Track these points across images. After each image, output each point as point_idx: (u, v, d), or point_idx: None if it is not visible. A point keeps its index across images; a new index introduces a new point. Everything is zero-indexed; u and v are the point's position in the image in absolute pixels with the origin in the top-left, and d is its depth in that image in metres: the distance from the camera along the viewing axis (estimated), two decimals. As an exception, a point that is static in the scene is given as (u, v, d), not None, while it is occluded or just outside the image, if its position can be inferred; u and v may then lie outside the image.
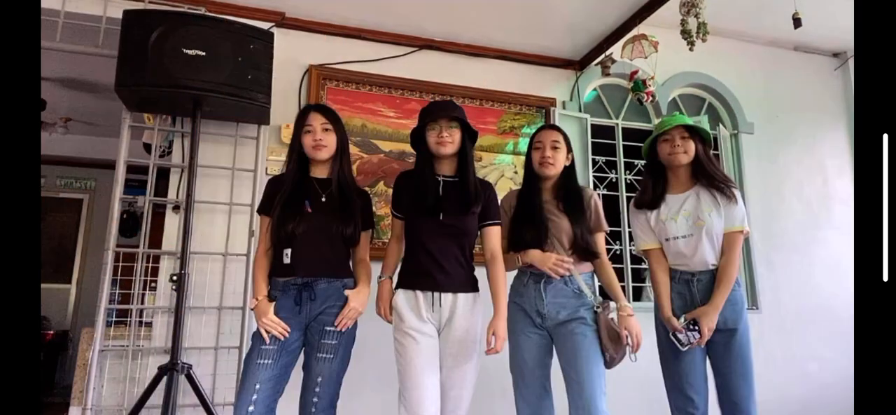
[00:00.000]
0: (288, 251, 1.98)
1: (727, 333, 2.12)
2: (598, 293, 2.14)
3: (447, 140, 2.03)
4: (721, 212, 2.15)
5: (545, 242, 2.11)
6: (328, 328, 1.97)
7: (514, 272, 2.25)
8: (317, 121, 2.07)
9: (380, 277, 2.10)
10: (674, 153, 2.21)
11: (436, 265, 1.98)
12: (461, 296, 1.99)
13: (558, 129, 2.27)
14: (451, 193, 2.04)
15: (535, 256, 2.09)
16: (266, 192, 2.12)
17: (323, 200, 2.05)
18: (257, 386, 1.88)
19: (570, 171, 2.22)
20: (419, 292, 1.99)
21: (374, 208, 3.05)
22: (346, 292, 2.01)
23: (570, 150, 2.22)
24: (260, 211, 2.12)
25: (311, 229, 1.99)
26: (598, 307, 2.05)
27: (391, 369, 2.06)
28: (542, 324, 2.11)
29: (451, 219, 2.00)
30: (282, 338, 1.92)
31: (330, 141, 2.08)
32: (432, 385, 1.91)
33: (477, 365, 2.00)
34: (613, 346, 2.01)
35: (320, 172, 2.12)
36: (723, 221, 2.15)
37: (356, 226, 2.05)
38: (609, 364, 2.05)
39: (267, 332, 1.91)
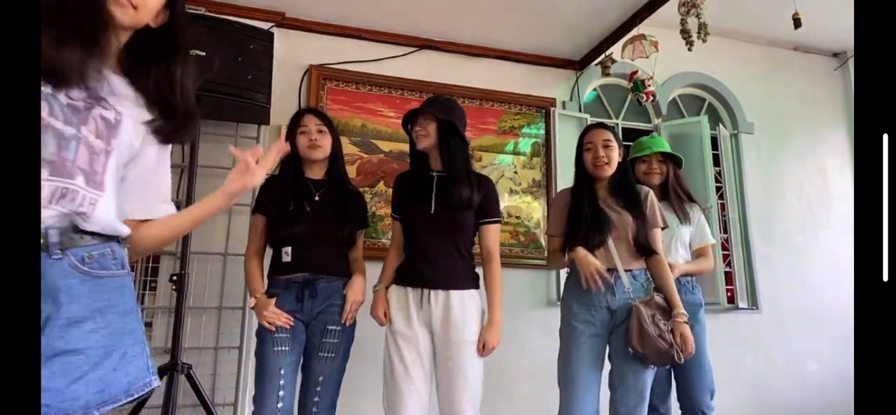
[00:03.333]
0: (288, 250, 2.01)
1: (696, 322, 2.30)
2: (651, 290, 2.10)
3: (420, 133, 2.03)
4: (688, 225, 2.49)
5: (607, 239, 2.07)
6: (330, 327, 1.99)
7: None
8: (312, 122, 2.12)
9: (375, 287, 2.08)
10: (649, 174, 2.51)
11: (426, 262, 1.96)
12: (455, 294, 1.94)
13: (607, 127, 2.24)
14: (442, 188, 2.02)
15: (579, 254, 2.02)
16: (260, 191, 2.14)
17: (317, 199, 2.07)
18: (282, 371, 1.90)
19: (623, 167, 2.19)
20: (409, 289, 1.98)
21: (373, 209, 3.06)
22: (344, 292, 2.04)
23: (621, 146, 2.19)
24: (255, 211, 2.13)
25: (310, 229, 2.01)
26: (634, 300, 1.99)
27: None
28: (610, 321, 2.03)
29: (443, 213, 1.98)
30: (288, 326, 1.94)
31: (325, 142, 2.12)
32: (413, 392, 1.89)
33: (480, 365, 1.94)
34: (640, 344, 1.94)
35: (315, 174, 2.15)
36: (689, 232, 2.49)
37: (351, 228, 2.09)
38: (645, 361, 1.98)
39: (271, 324, 1.92)
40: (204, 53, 2.45)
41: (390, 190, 3.12)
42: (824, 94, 4.12)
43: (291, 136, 2.12)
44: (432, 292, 1.94)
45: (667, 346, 1.92)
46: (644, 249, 2.07)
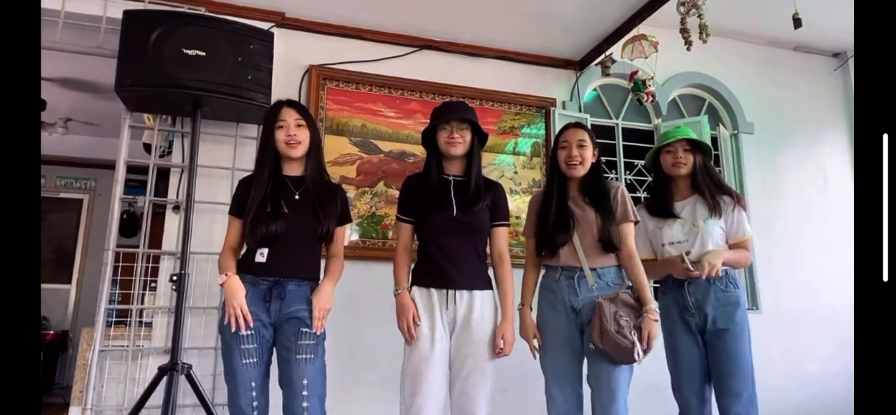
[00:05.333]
0: (264, 251, 1.95)
1: (716, 332, 2.18)
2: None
3: (458, 141, 2.06)
4: (719, 221, 2.25)
5: (572, 237, 2.09)
6: (304, 330, 1.91)
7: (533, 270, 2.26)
8: (290, 116, 2.03)
9: (396, 291, 2.04)
10: (676, 164, 2.31)
11: (450, 262, 1.99)
12: (477, 294, 2.00)
13: (584, 127, 2.23)
14: (460, 191, 2.07)
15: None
16: (236, 193, 2.07)
17: (296, 198, 2.01)
18: (253, 383, 1.88)
19: (596, 167, 2.19)
20: (434, 291, 1.99)
21: (373, 209, 3.06)
22: (312, 297, 1.96)
23: (595, 146, 2.20)
24: (231, 212, 2.06)
25: (287, 229, 1.95)
26: (598, 297, 2.01)
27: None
28: (576, 320, 2.08)
29: (463, 215, 2.02)
30: (248, 331, 1.87)
31: (303, 137, 2.04)
32: (438, 396, 1.92)
33: (494, 365, 1.98)
34: (600, 340, 1.96)
35: (293, 170, 2.07)
36: (721, 228, 2.25)
37: (330, 223, 2.01)
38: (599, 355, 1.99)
39: (232, 317, 1.84)
40: (204, 54, 2.48)
41: (390, 190, 3.15)
42: (824, 94, 4.12)
43: (269, 130, 2.04)
44: (457, 293, 1.98)
45: (628, 343, 1.92)
46: (610, 245, 2.07)
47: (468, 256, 2.02)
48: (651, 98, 3.27)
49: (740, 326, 2.19)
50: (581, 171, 2.14)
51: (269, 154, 2.03)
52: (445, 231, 2.01)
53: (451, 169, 2.11)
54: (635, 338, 1.94)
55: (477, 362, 1.94)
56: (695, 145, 2.33)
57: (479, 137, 2.14)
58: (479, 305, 1.98)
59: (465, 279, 1.99)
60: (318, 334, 1.93)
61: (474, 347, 1.95)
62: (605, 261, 2.09)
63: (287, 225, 1.95)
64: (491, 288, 2.06)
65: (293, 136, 2.01)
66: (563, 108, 3.53)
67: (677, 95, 3.82)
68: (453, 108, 2.13)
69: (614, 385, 1.98)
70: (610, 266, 2.09)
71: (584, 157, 2.14)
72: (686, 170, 2.31)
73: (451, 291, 1.98)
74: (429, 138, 2.14)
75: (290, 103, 2.08)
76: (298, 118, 2.04)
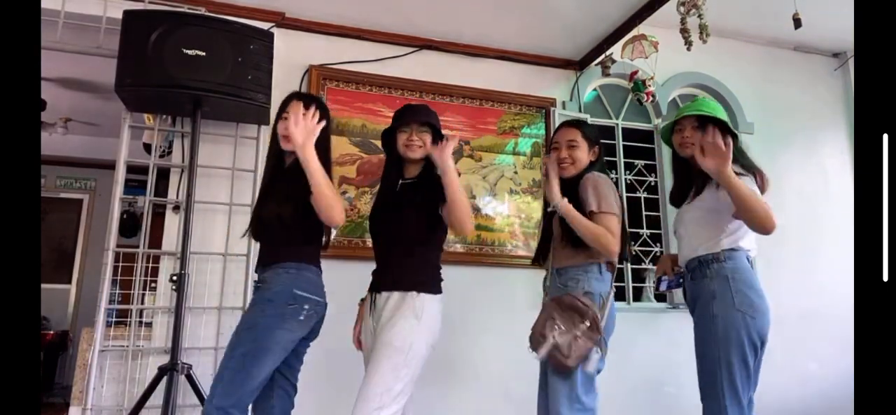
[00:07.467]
0: None
1: (697, 316, 1.98)
2: (602, 292, 1.94)
3: (416, 144, 1.97)
4: (703, 201, 2.00)
5: (551, 241, 2.09)
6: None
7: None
8: (295, 110, 1.87)
9: (360, 301, 2.10)
10: (683, 145, 2.06)
11: (381, 264, 1.99)
12: (396, 294, 1.86)
13: (576, 124, 2.14)
14: (407, 194, 1.99)
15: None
16: None
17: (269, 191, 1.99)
18: None
19: (592, 166, 2.07)
20: (368, 295, 1.99)
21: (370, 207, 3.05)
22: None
23: (593, 143, 2.08)
24: None
25: (254, 225, 1.99)
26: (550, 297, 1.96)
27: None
28: None
29: (390, 216, 1.99)
30: None
31: None
32: None
33: (399, 373, 1.75)
34: (531, 335, 1.88)
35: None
36: (702, 208, 2.01)
37: (279, 205, 1.85)
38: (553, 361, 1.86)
39: None
40: (204, 54, 2.48)
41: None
42: (824, 94, 4.12)
43: (275, 123, 2.00)
44: (379, 295, 1.92)
45: (539, 338, 1.82)
46: (576, 242, 1.94)
47: (394, 257, 1.93)
48: (651, 98, 3.27)
49: (711, 320, 1.89)
50: (572, 172, 2.04)
51: (274, 149, 2.00)
52: (380, 234, 2.02)
53: (409, 172, 2.04)
54: (555, 337, 1.80)
55: (374, 353, 1.80)
56: (705, 122, 2.01)
57: (439, 140, 2.00)
58: (393, 305, 1.85)
59: (387, 281, 1.90)
60: (243, 323, 1.83)
61: (377, 344, 1.81)
62: (571, 260, 1.98)
63: (254, 219, 1.99)
64: (417, 290, 1.86)
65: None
66: (563, 108, 3.53)
67: (677, 95, 3.82)
68: (413, 111, 2.05)
69: (553, 397, 1.86)
70: (573, 266, 1.98)
71: (575, 157, 2.04)
72: (691, 151, 1.99)
73: (375, 294, 1.93)
74: (389, 139, 2.07)
75: (300, 96, 2.01)
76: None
